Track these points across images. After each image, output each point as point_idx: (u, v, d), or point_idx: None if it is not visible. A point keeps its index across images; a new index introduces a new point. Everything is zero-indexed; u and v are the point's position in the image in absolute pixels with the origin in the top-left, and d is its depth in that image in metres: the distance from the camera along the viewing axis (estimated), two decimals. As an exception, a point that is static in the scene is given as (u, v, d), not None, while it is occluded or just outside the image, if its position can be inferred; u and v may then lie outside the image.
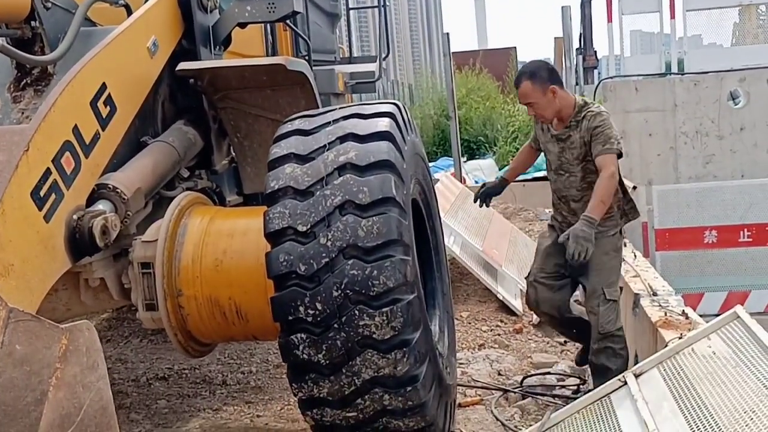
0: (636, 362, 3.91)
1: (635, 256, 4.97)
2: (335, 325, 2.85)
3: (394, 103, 3.38)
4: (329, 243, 2.86)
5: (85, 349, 2.24)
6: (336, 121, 3.22)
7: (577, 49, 12.34)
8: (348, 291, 2.83)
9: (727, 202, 7.15)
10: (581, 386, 4.14)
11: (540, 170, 12.41)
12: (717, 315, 6.85)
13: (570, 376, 4.37)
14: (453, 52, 12.17)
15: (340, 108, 3.40)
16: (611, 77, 9.64)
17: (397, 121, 3.25)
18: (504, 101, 16.27)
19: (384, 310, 2.81)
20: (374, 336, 2.83)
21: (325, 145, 3.09)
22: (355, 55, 7.45)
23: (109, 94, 3.63)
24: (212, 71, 4.15)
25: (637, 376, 3.02)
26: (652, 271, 4.55)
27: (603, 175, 3.50)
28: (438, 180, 6.57)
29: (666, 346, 3.15)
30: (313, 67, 5.30)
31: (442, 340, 3.69)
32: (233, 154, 4.65)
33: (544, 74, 3.71)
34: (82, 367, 2.23)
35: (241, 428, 4.01)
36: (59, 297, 3.60)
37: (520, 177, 12.55)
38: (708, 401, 2.54)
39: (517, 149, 14.41)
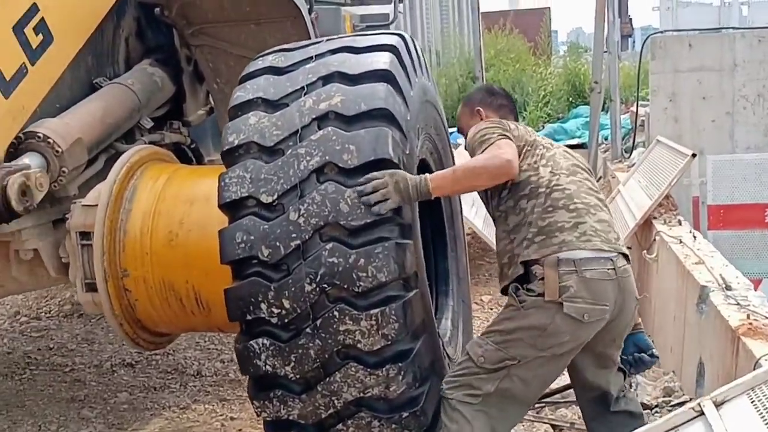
0: (700, 373, 3.11)
1: (695, 237, 4.13)
2: (308, 330, 2.13)
3: (398, 35, 2.57)
4: (302, 220, 2.14)
5: None
6: (320, 56, 2.44)
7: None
8: (325, 285, 2.11)
9: (791, 175, 6.24)
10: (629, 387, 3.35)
11: (573, 137, 11.52)
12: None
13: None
14: (483, 12, 11.24)
15: (327, 40, 2.59)
16: (661, 31, 8.68)
17: (401, 58, 2.45)
18: (535, 63, 15.26)
19: (373, 312, 2.08)
20: (359, 346, 2.10)
21: (302, 88, 2.34)
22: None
23: (43, 19, 2.89)
24: (182, -3, 3.36)
25: (718, 404, 2.22)
26: (719, 257, 3.71)
27: (485, 150, 2.34)
28: (459, 144, 5.75)
29: (756, 364, 2.35)
30: (315, 5, 4.46)
31: (454, 340, 2.93)
32: (212, 102, 3.88)
33: (476, 96, 2.74)
34: None
35: (209, 435, 3.32)
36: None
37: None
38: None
39: (549, 115, 13.57)
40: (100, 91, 3.22)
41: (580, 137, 11.12)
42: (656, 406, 3.21)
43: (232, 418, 3.46)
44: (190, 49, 3.66)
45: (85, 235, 2.81)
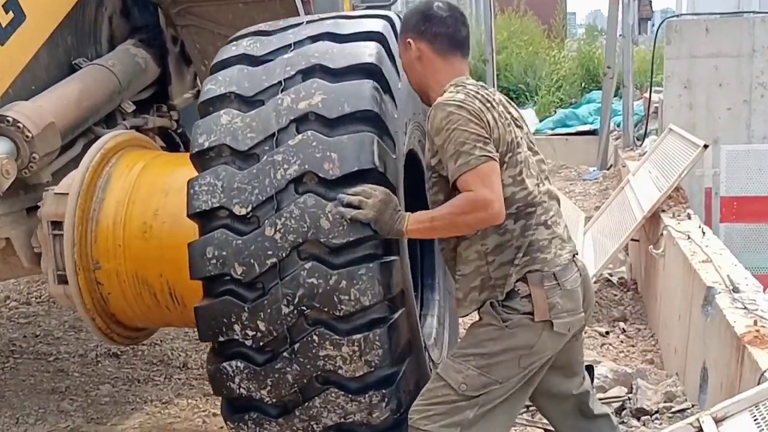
0: (704, 378, 2.95)
1: (704, 233, 3.95)
2: (285, 354, 1.99)
3: (384, 16, 2.38)
4: (278, 236, 1.98)
5: None
6: (299, 43, 2.24)
7: (632, -2, 11.18)
8: (304, 307, 1.96)
9: (808, 167, 6.03)
10: (627, 402, 3.20)
11: (585, 123, 11.28)
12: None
13: (611, 384, 3.43)
14: (496, -7, 10.96)
15: (308, 23, 2.40)
16: (677, 15, 8.40)
17: (389, 46, 2.25)
18: (549, 46, 14.94)
19: (355, 337, 1.94)
20: (340, 372, 1.97)
21: (279, 83, 2.15)
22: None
23: (14, -4, 2.73)
24: (166, -25, 3.20)
25: (718, 421, 2.08)
26: (728, 256, 3.53)
27: (465, 195, 1.97)
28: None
29: (761, 377, 2.18)
30: (314, -16, 4.27)
31: (440, 340, 2.78)
32: (200, 85, 3.73)
33: (410, 21, 2.16)
34: None
35: (189, 431, 3.20)
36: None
37: (563, 130, 11.46)
38: None
39: (561, 100, 13.29)
40: (77, 72, 3.08)
41: (592, 123, 10.88)
42: (656, 412, 3.06)
43: (214, 414, 3.33)
44: (176, 30, 3.51)
45: (57, 224, 2.68)
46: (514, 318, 2.03)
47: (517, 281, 2.05)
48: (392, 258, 2.02)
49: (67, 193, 2.66)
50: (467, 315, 2.21)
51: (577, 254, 2.18)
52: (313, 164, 2.00)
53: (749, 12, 7.28)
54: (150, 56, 3.43)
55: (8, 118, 2.64)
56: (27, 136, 2.66)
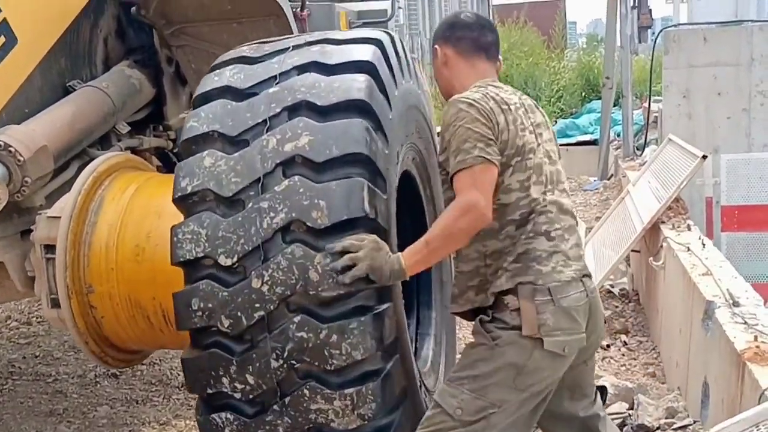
0: (705, 393, 2.92)
1: (704, 244, 3.92)
2: (275, 407, 1.96)
3: (374, 41, 2.29)
4: (266, 288, 1.92)
5: None
6: (285, 75, 2.15)
7: (632, 6, 11.22)
8: (293, 361, 1.92)
9: (809, 175, 5.99)
10: (628, 418, 3.17)
11: (586, 133, 11.27)
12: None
13: (613, 400, 3.39)
14: (496, 5, 11.03)
15: (293, 48, 2.30)
16: (675, 25, 8.39)
17: (379, 76, 2.18)
18: (549, 57, 14.98)
19: (347, 391, 1.90)
20: (332, 425, 1.93)
21: (264, 121, 2.07)
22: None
23: (5, 20, 2.75)
24: (161, -5, 3.20)
25: (717, 441, 2.04)
26: (728, 268, 3.50)
27: (452, 204, 2.03)
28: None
29: (762, 396, 2.15)
30: (309, 1, 4.28)
31: (435, 363, 2.75)
32: (195, 105, 3.73)
33: (438, 30, 2.31)
34: None
35: (187, 454, 3.18)
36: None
37: (563, 141, 11.47)
38: None
39: (562, 110, 13.31)
40: (71, 95, 3.08)
41: (592, 133, 10.89)
42: (658, 428, 3.02)
43: (212, 436, 3.31)
44: (171, 50, 3.51)
45: (50, 248, 2.67)
46: (504, 335, 1.99)
47: (508, 293, 2.02)
48: (385, 306, 1.97)
49: (60, 217, 2.65)
50: (459, 313, 2.18)
51: (588, 276, 2.11)
52: (301, 212, 1.93)
53: (747, 21, 7.28)
54: (145, 77, 3.43)
55: (0, 143, 2.64)
56: (19, 160, 2.65)
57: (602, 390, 2.34)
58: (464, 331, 4.02)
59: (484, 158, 1.98)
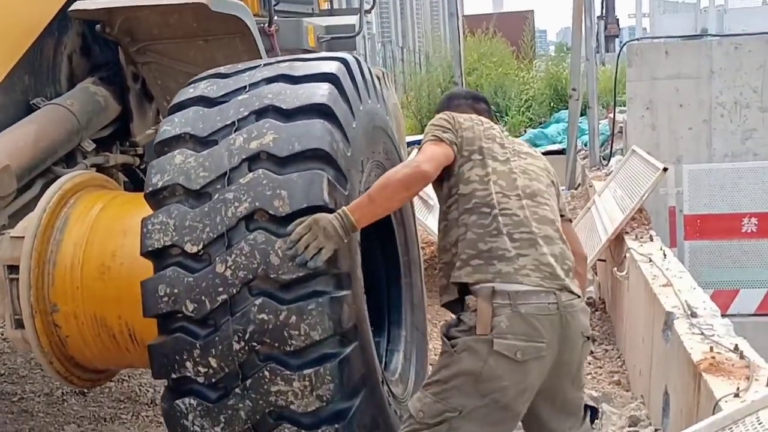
0: (666, 402, 2.99)
1: (665, 255, 4.01)
2: (237, 390, 2.01)
3: (339, 59, 2.42)
4: (229, 272, 2.01)
5: None
6: (254, 85, 2.30)
7: (598, 16, 11.46)
8: (254, 343, 1.98)
9: (769, 184, 6.17)
10: (597, 420, 3.22)
11: (554, 142, 11.42)
12: (754, 315, 5.80)
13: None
14: (466, 15, 11.12)
15: (265, 65, 2.45)
16: (638, 39, 8.58)
17: (342, 87, 2.30)
18: (518, 67, 15.16)
19: (306, 372, 1.96)
20: (292, 407, 1.98)
21: (233, 123, 2.19)
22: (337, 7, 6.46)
23: (-33, 38, 2.72)
24: (123, 13, 3.21)
25: (674, 451, 2.10)
26: (688, 279, 3.59)
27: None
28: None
29: (716, 406, 2.22)
30: (278, 16, 4.31)
31: (405, 376, 2.79)
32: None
33: (439, 105, 2.64)
34: None
35: (156, 473, 3.16)
36: None
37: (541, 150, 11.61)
38: None
39: (531, 119, 13.46)
40: (34, 113, 3.06)
41: (561, 143, 11.02)
42: (621, 437, 3.09)
43: (181, 453, 3.30)
44: (137, 67, 3.51)
45: (14, 268, 2.66)
46: (460, 341, 2.06)
47: (469, 292, 2.10)
48: (343, 293, 2.04)
49: (23, 237, 2.64)
50: (446, 305, 2.25)
51: (572, 293, 2.13)
52: (264, 202, 2.03)
53: (707, 35, 7.48)
54: (110, 94, 3.42)
55: (-38, 163, 2.62)
56: (-20, 180, 2.64)
57: (593, 411, 2.34)
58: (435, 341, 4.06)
59: (437, 137, 2.27)
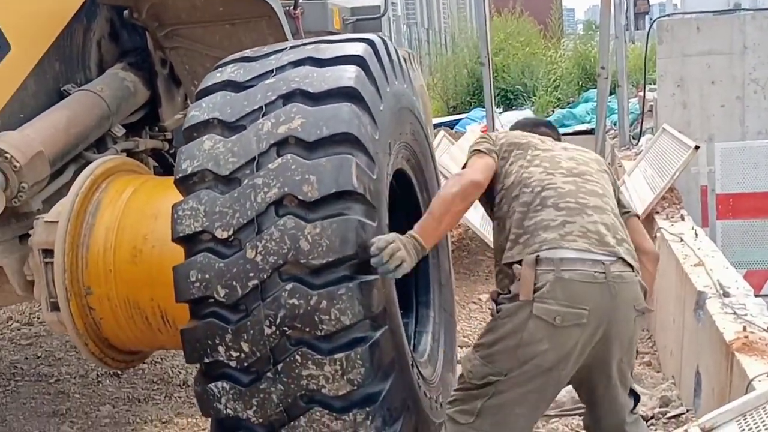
0: (698, 383, 2.96)
1: (696, 234, 3.95)
2: (269, 374, 2.02)
3: (366, 40, 2.41)
4: (260, 258, 2.01)
5: None
6: (281, 69, 2.29)
7: (628, -7, 11.25)
8: (285, 328, 1.99)
9: (804, 162, 6.00)
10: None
11: (583, 122, 11.28)
12: (788, 296, 5.65)
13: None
14: (492, -5, 10.96)
15: (291, 47, 2.44)
16: (668, 15, 8.41)
17: (369, 70, 2.29)
18: (545, 47, 14.97)
19: (337, 356, 1.97)
20: (324, 391, 1.99)
21: (260, 108, 2.19)
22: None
23: (-3, 27, 2.76)
24: (151, -2, 3.22)
25: (706, 431, 2.09)
26: (720, 258, 3.54)
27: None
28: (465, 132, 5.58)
29: (749, 386, 2.20)
30: (302, 0, 4.30)
31: (434, 357, 2.79)
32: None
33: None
34: None
35: (189, 452, 3.23)
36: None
37: (561, 130, 11.51)
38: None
39: (559, 99, 13.29)
40: (65, 99, 3.10)
41: (589, 122, 10.87)
42: (652, 417, 3.07)
43: (213, 433, 3.36)
44: (165, 52, 3.53)
45: (48, 252, 2.70)
46: (504, 307, 2.13)
47: (517, 262, 2.14)
48: (372, 277, 2.04)
49: (57, 221, 2.69)
50: (502, 288, 2.26)
51: (622, 263, 2.11)
52: (293, 187, 2.03)
53: (740, 9, 7.29)
54: (139, 79, 3.45)
55: (-5, 149, 2.67)
56: (15, 167, 2.68)
57: (636, 397, 2.32)
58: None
59: (478, 150, 2.39)
